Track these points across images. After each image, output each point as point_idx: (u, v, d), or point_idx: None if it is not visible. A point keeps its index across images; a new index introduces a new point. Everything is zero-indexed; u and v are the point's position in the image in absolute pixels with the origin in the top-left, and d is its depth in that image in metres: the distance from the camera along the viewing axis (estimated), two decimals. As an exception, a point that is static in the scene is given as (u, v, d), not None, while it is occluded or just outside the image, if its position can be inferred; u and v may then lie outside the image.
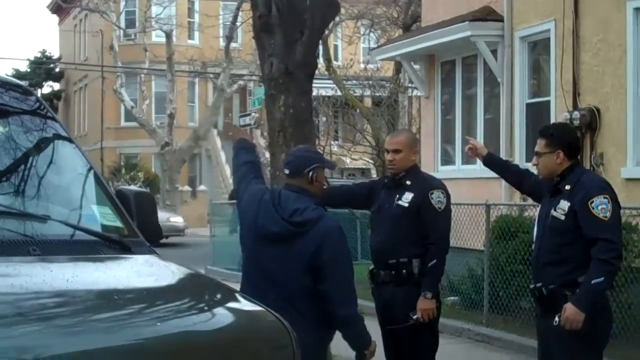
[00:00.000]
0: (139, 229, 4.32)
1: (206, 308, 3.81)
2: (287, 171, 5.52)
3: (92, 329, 3.15)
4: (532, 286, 5.98)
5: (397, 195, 6.48)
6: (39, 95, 4.89)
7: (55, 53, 57.34)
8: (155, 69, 39.51)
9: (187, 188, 41.23)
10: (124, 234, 4.21)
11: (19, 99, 4.56)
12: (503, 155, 13.67)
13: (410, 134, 7.78)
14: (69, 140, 4.64)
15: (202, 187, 42.65)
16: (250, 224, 5.41)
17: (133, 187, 4.95)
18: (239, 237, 5.65)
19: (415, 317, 6.31)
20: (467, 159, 13.79)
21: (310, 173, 5.35)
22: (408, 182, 6.48)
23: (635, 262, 9.90)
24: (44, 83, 55.65)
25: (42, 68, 55.30)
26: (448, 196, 6.50)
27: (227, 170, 43.00)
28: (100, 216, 4.27)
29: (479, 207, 12.28)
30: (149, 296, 3.68)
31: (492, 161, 6.64)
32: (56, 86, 57.95)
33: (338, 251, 5.25)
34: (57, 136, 4.60)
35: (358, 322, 5.34)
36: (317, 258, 5.15)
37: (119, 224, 4.27)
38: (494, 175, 6.85)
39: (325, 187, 5.65)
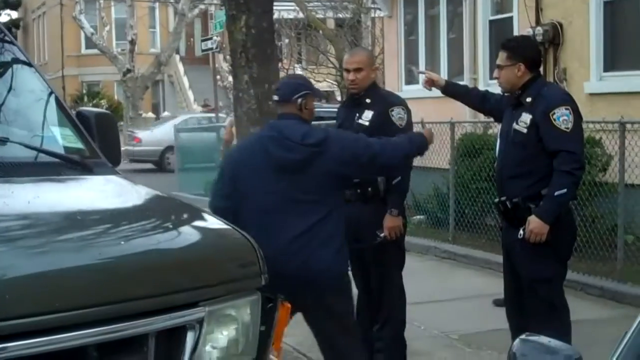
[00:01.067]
0: (100, 151, 4.28)
1: (171, 227, 3.79)
2: (276, 97, 5.43)
3: (55, 249, 3.14)
4: (496, 200, 6.00)
5: (357, 114, 6.36)
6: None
7: (11, -20, 56.35)
8: (114, -6, 38.97)
9: (150, 115, 40.89)
10: (85, 155, 4.17)
11: (-25, 22, 4.49)
12: (467, 73, 13.69)
13: (368, 52, 7.70)
14: (28, 64, 4.58)
15: (166, 114, 42.32)
16: (255, 166, 5.20)
17: (93, 109, 4.86)
18: (228, 191, 5.26)
19: (382, 235, 6.32)
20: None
21: (300, 100, 5.28)
22: (368, 100, 6.37)
23: (599, 177, 9.97)
24: (1, 12, 54.77)
25: (-1, -4, 54.38)
26: (409, 112, 6.41)
27: (191, 96, 42.75)
28: (61, 138, 4.23)
29: (443, 125, 12.25)
30: (113, 216, 3.66)
31: (452, 89, 6.57)
32: (14, 14, 57.02)
33: (353, 146, 5.26)
34: (16, 60, 4.54)
35: (408, 153, 5.56)
36: (342, 165, 5.17)
37: (80, 145, 4.23)
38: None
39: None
